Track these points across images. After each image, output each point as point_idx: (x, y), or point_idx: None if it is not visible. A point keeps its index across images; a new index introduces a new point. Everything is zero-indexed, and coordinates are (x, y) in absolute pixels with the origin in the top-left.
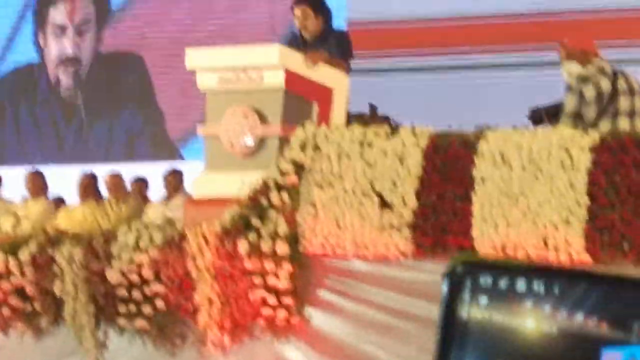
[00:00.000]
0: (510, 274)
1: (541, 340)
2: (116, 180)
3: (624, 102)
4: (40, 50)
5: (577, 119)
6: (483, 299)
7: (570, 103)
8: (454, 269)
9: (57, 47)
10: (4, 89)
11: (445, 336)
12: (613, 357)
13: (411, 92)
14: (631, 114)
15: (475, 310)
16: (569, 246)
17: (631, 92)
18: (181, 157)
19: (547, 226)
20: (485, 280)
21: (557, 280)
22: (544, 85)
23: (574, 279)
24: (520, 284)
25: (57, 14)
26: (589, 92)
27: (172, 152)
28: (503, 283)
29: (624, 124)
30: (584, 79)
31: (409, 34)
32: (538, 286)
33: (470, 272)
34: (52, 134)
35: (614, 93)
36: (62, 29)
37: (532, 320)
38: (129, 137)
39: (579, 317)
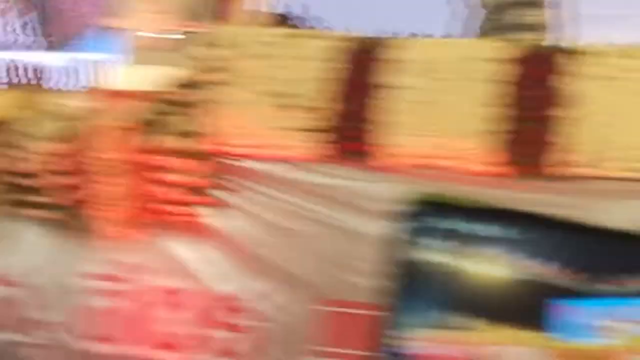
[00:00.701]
0: (468, 217)
1: (494, 285)
2: (21, 68)
3: None
4: None
5: None
6: (439, 241)
7: None
8: (412, 208)
9: None
10: None
11: (396, 276)
12: (563, 309)
13: None
14: None
15: (429, 252)
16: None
17: None
18: (78, 50)
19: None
20: (443, 221)
21: (515, 224)
22: None
23: (532, 224)
24: (479, 227)
25: None
26: None
27: (77, 41)
28: (460, 225)
29: None
30: None
31: None
32: (495, 230)
33: (428, 212)
34: None
35: None
36: None
37: (486, 265)
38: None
39: (534, 264)
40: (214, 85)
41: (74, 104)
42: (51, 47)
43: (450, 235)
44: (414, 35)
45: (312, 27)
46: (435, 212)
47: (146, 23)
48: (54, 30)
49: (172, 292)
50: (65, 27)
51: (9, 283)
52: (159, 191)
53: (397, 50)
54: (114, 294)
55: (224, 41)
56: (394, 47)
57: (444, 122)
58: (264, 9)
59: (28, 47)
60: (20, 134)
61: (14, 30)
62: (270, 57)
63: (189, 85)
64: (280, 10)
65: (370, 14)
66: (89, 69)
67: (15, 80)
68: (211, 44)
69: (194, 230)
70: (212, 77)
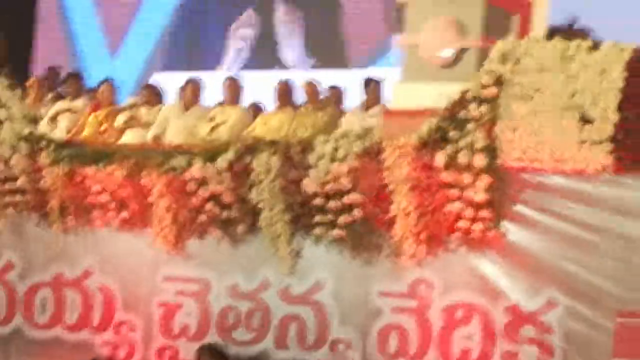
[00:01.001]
0: None
1: None
2: (313, 88)
3: None
4: None
5: None
6: None
7: None
8: None
9: None
10: None
11: None
12: None
13: (609, 6)
14: None
15: None
16: None
17: None
18: (372, 65)
19: None
20: None
21: None
22: None
23: None
24: None
25: None
26: None
27: (360, 60)
28: None
29: None
30: None
31: None
32: None
33: None
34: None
35: None
36: None
37: None
38: (317, 43)
39: None
40: (507, 100)
41: (359, 122)
42: (334, 65)
43: None
44: None
45: (587, 38)
46: None
47: (426, 40)
48: (338, 49)
49: (470, 307)
50: (348, 46)
51: (295, 300)
52: (451, 207)
53: None
54: (411, 310)
55: (505, 55)
56: None
57: None
58: (540, 22)
59: (311, 66)
60: (303, 153)
61: (295, 49)
62: (554, 70)
63: (473, 100)
64: (551, 23)
65: None
66: (373, 86)
67: (297, 100)
68: (503, 58)
69: (489, 244)
70: (496, 92)
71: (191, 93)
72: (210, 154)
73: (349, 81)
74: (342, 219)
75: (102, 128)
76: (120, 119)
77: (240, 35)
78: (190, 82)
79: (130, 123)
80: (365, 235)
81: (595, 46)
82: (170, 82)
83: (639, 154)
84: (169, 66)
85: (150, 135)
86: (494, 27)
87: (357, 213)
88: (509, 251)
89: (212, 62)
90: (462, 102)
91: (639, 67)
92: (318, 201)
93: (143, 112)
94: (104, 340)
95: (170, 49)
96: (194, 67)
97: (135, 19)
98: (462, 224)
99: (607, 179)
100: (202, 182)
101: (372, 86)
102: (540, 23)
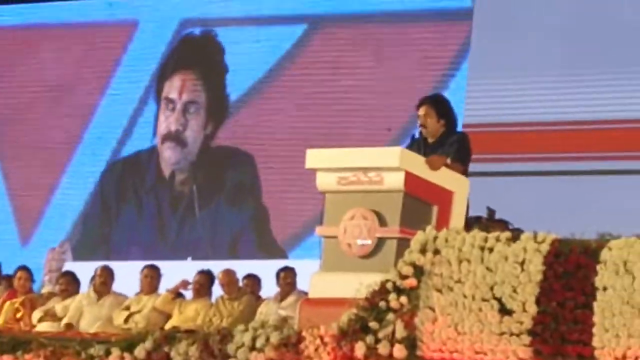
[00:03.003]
0: None
1: None
2: (230, 277)
3: None
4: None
5: None
6: None
7: None
8: None
9: (165, 121)
10: (113, 176)
11: None
12: None
13: (528, 196)
14: None
15: None
16: None
17: None
18: (284, 257)
19: None
20: None
21: None
22: None
23: None
24: None
25: (170, 87)
26: None
27: (275, 251)
28: None
29: None
30: None
31: (526, 138)
32: None
33: None
34: (155, 225)
35: None
36: (171, 103)
37: None
38: (233, 234)
39: None
40: (427, 291)
41: (274, 312)
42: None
43: None
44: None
45: (513, 229)
46: None
47: (345, 231)
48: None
49: None
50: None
51: None
52: None
53: (614, 250)
54: None
55: (425, 246)
56: (610, 248)
57: None
58: (460, 213)
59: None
60: (222, 343)
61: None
62: (474, 261)
63: (393, 291)
64: (470, 214)
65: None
66: (287, 276)
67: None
68: (422, 249)
69: None
70: (416, 282)
71: (101, 281)
72: (128, 343)
73: (266, 270)
74: None
75: (19, 316)
76: (36, 316)
77: None
78: (99, 269)
79: (45, 318)
80: None
81: (515, 238)
82: (84, 270)
83: (557, 347)
84: (82, 255)
85: (62, 323)
86: (412, 218)
87: None
88: None
89: (126, 252)
90: (382, 292)
91: (557, 260)
92: None
93: (58, 308)
94: None
95: (83, 238)
96: (107, 257)
97: (48, 206)
98: None
99: None
100: None
101: (285, 275)
102: (459, 214)
